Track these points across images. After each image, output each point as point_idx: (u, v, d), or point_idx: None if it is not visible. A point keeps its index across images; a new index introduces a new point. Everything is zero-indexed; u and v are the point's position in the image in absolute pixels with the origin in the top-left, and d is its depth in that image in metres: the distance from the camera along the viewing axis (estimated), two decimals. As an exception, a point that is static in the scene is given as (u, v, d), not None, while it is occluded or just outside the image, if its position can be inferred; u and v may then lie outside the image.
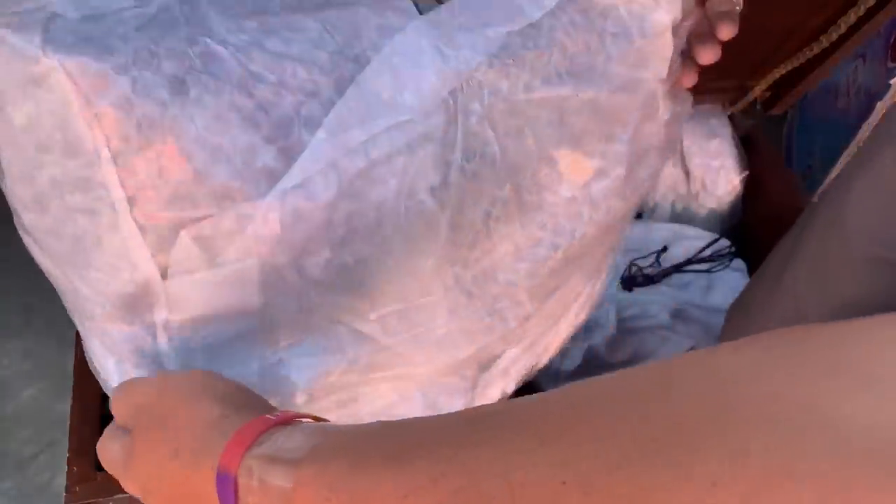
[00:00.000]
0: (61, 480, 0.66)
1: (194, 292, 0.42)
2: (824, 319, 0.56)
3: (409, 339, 0.49)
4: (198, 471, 0.31)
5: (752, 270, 1.03)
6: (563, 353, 0.90)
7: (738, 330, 0.68)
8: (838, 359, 0.22)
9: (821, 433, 0.20)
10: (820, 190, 0.63)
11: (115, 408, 0.38)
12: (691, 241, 1.03)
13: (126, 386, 0.38)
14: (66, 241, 0.42)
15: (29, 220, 0.43)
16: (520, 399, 0.28)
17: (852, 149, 0.64)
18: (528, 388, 0.88)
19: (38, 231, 0.43)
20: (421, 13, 0.44)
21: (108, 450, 0.38)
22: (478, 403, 0.56)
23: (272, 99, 0.41)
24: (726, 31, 0.49)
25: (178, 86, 0.39)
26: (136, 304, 0.42)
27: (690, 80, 0.51)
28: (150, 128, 0.39)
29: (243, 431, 0.30)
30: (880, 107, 1.17)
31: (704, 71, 0.52)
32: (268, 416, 0.32)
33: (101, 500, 0.65)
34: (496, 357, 0.55)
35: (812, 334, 0.25)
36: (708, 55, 0.49)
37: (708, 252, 1.01)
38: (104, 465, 0.39)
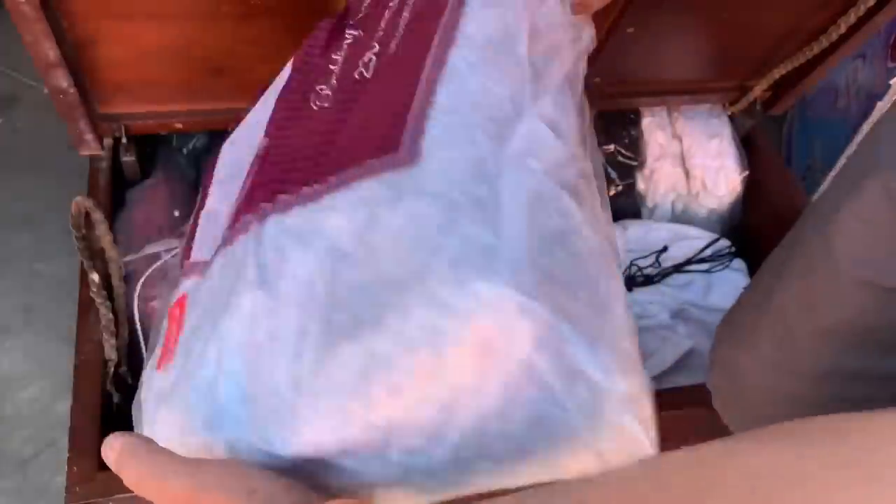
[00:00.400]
0: (61, 480, 0.66)
1: None
2: (813, 340, 0.57)
3: None
4: None
5: (752, 270, 1.03)
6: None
7: (730, 345, 0.68)
8: (873, 469, 0.22)
9: None
10: (808, 207, 0.64)
11: (140, 492, 0.36)
12: (691, 241, 1.03)
13: (152, 469, 0.36)
14: None
15: None
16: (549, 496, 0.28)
17: (850, 150, 0.64)
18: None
19: None
20: None
21: None
22: None
23: None
24: None
25: None
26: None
27: None
28: None
29: None
30: (880, 107, 1.18)
31: (704, 71, 0.52)
32: None
33: (101, 500, 0.65)
34: None
35: (847, 436, 0.25)
36: None
37: (708, 252, 1.02)
38: None
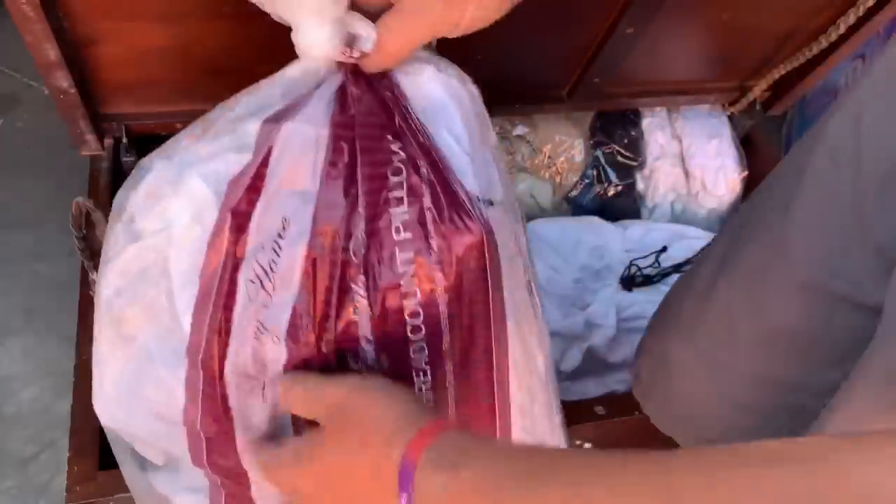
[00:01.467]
0: (61, 480, 0.66)
1: None
2: (755, 340, 0.56)
3: None
4: (386, 459, 0.38)
5: (751, 270, 1.03)
6: (563, 353, 0.90)
7: (662, 334, 0.66)
8: None
9: None
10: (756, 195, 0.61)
11: (308, 408, 0.44)
12: (691, 241, 1.03)
13: (314, 386, 0.44)
14: None
15: None
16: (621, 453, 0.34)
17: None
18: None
19: None
20: None
21: (277, 453, 0.45)
22: None
23: None
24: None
25: None
26: None
27: None
28: None
29: (423, 433, 0.38)
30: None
31: (704, 71, 0.52)
32: (437, 421, 0.39)
33: (101, 499, 0.65)
34: None
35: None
36: None
37: (708, 252, 1.02)
38: (265, 470, 0.46)
